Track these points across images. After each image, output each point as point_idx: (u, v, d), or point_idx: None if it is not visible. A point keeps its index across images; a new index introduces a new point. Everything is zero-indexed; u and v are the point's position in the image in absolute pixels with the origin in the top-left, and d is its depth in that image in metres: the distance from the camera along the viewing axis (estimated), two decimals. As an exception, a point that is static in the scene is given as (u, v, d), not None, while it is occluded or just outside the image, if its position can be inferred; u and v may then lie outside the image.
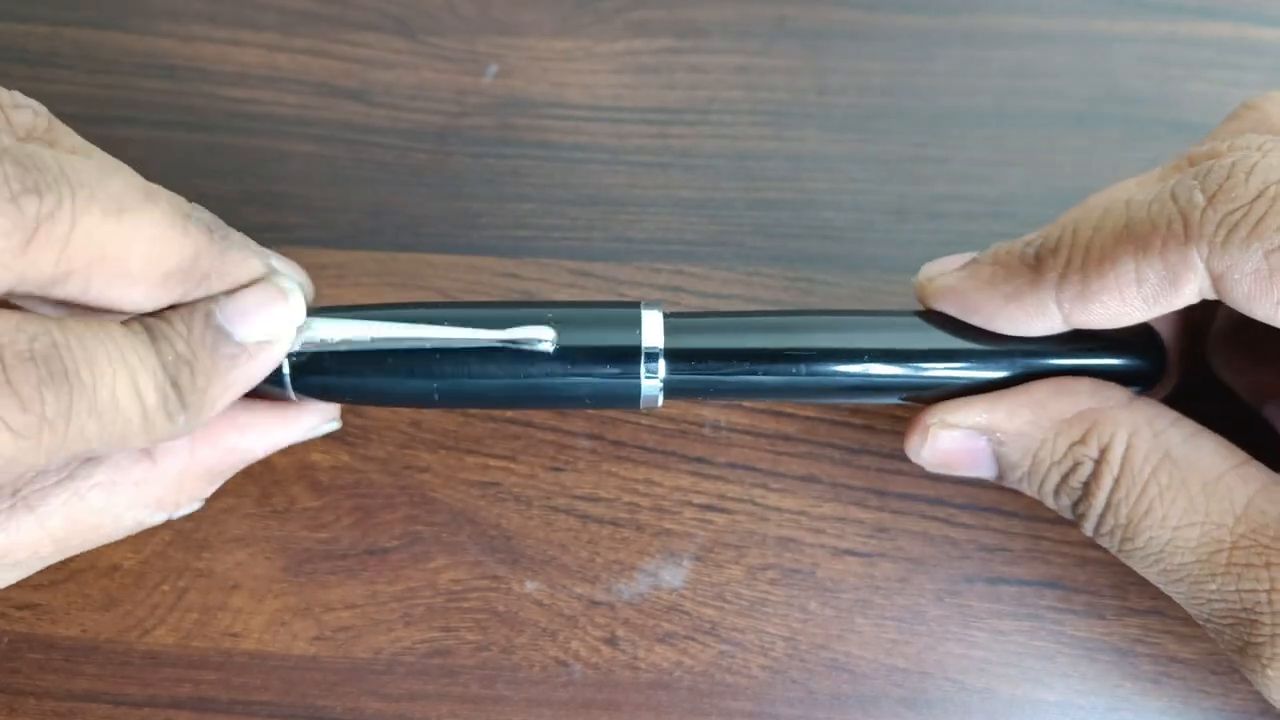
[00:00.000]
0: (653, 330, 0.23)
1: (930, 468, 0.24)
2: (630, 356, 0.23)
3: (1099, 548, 0.27)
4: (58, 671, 0.26)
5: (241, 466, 0.24)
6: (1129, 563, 0.23)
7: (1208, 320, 0.26)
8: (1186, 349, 0.26)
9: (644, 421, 0.28)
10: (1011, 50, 0.33)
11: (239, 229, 0.30)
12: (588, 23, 0.33)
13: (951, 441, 0.23)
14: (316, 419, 0.24)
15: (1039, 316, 0.22)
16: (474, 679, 0.26)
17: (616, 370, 0.23)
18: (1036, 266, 0.22)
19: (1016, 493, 0.27)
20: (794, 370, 0.23)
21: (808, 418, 0.28)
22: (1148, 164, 0.31)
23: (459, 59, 0.33)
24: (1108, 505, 0.22)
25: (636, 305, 0.23)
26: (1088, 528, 0.23)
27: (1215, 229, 0.20)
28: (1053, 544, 0.27)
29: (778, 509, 0.27)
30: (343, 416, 0.28)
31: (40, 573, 0.26)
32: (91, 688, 0.26)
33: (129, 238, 0.19)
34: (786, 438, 0.28)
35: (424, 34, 0.33)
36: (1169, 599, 0.26)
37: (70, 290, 0.18)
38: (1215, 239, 0.20)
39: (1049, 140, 0.32)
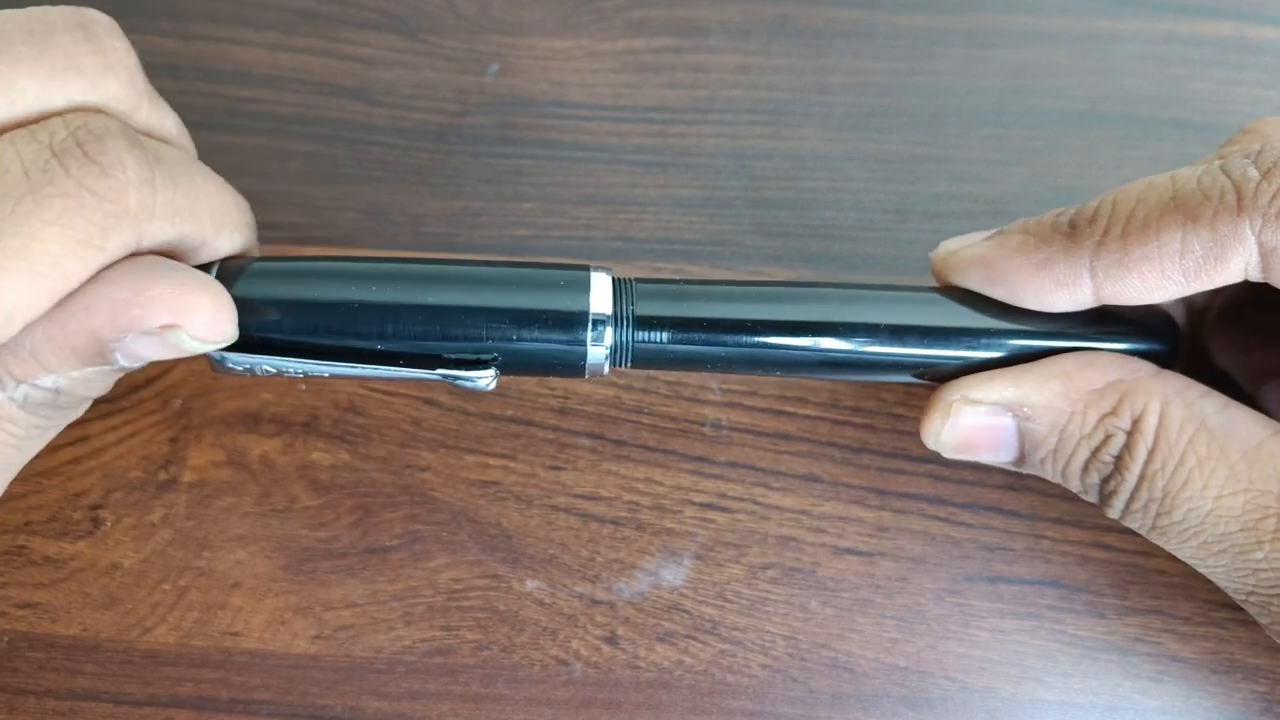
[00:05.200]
0: (601, 295, 0.22)
1: (948, 451, 0.23)
2: (576, 322, 0.22)
3: (1100, 546, 0.27)
4: (58, 670, 0.26)
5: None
6: (1160, 540, 0.22)
7: (1207, 309, 0.26)
8: (1190, 338, 0.25)
9: (644, 420, 0.28)
10: (1012, 49, 0.33)
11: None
12: (588, 22, 0.33)
13: (975, 419, 0.22)
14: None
15: (1069, 287, 0.22)
16: (474, 678, 0.26)
17: (561, 337, 0.22)
18: (1071, 234, 0.22)
19: (1018, 492, 0.27)
20: (787, 344, 0.22)
21: (808, 416, 0.28)
22: (1148, 163, 0.31)
23: (459, 58, 0.33)
24: (1142, 478, 0.21)
25: (586, 268, 0.22)
26: (1117, 505, 0.22)
27: (1270, 201, 0.20)
28: (1053, 543, 0.27)
29: (778, 508, 0.27)
30: (343, 415, 0.28)
31: (41, 571, 0.27)
32: (92, 687, 0.26)
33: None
34: (787, 437, 0.28)
35: (424, 33, 0.33)
36: (1169, 598, 0.27)
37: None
38: (1270, 210, 0.20)
39: (1049, 139, 0.32)
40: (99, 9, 0.30)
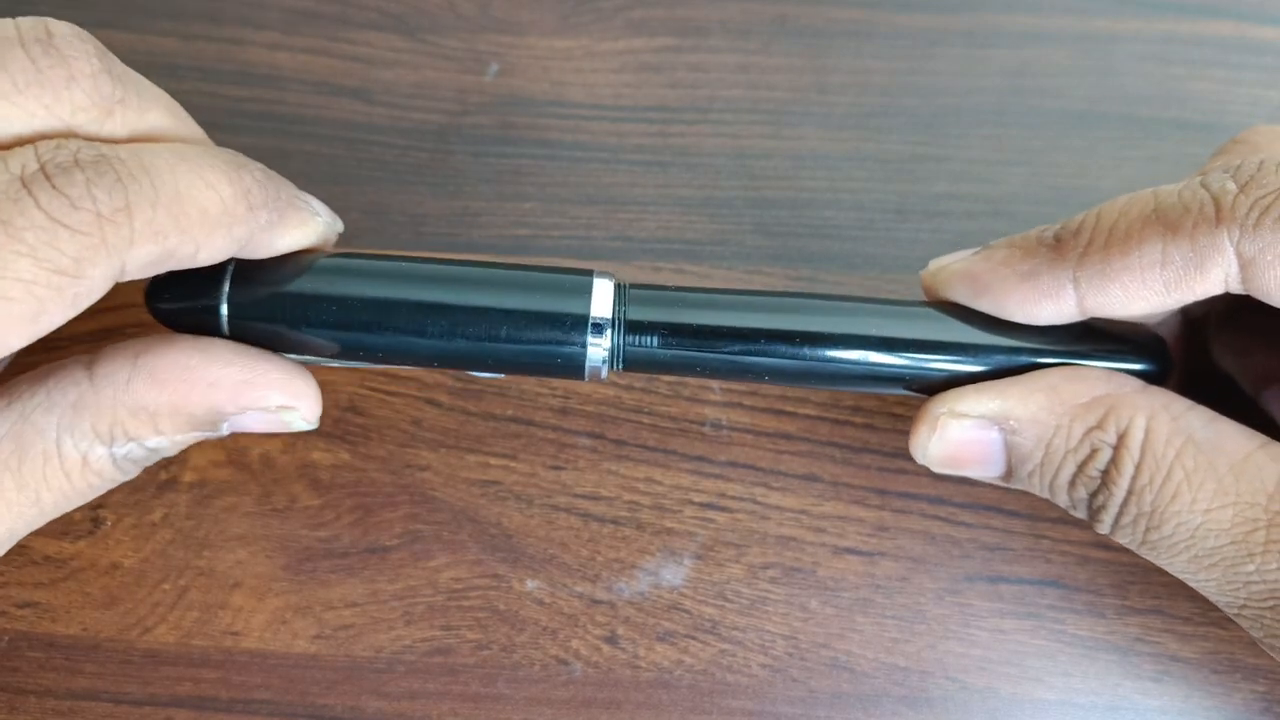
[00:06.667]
0: (602, 300, 0.22)
1: (937, 466, 0.23)
2: (577, 325, 0.22)
3: (1100, 546, 0.27)
4: (58, 670, 0.26)
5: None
6: (1150, 555, 0.22)
7: (1208, 312, 0.26)
8: (1186, 353, 0.25)
9: (645, 420, 0.28)
10: (1012, 49, 0.33)
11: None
12: (588, 21, 0.33)
13: (961, 432, 0.22)
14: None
15: (1053, 298, 0.22)
16: (474, 677, 0.26)
17: (561, 338, 0.22)
18: (1056, 247, 0.22)
19: (1018, 492, 0.27)
20: (776, 352, 0.23)
21: (808, 416, 0.28)
22: (1148, 163, 0.31)
23: (460, 58, 0.33)
24: (1130, 493, 0.21)
25: (590, 273, 0.23)
26: (1106, 520, 0.22)
27: (1248, 212, 0.20)
28: (1053, 543, 0.27)
29: (778, 507, 0.27)
30: (344, 415, 0.28)
31: (41, 571, 0.27)
32: (92, 686, 0.26)
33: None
34: (787, 436, 0.28)
35: (424, 33, 0.33)
36: (1170, 598, 0.27)
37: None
38: (1247, 221, 0.20)
39: (1049, 139, 0.32)
40: (99, 10, 0.30)
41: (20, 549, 0.27)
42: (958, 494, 0.28)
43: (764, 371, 0.23)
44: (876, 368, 0.23)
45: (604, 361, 0.22)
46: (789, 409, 0.28)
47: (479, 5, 0.33)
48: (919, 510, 0.27)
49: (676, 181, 0.31)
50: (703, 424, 0.28)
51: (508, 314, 0.22)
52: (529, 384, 0.28)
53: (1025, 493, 0.27)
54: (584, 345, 0.22)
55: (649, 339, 0.23)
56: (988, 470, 0.23)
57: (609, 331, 0.22)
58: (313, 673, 0.26)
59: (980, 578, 0.27)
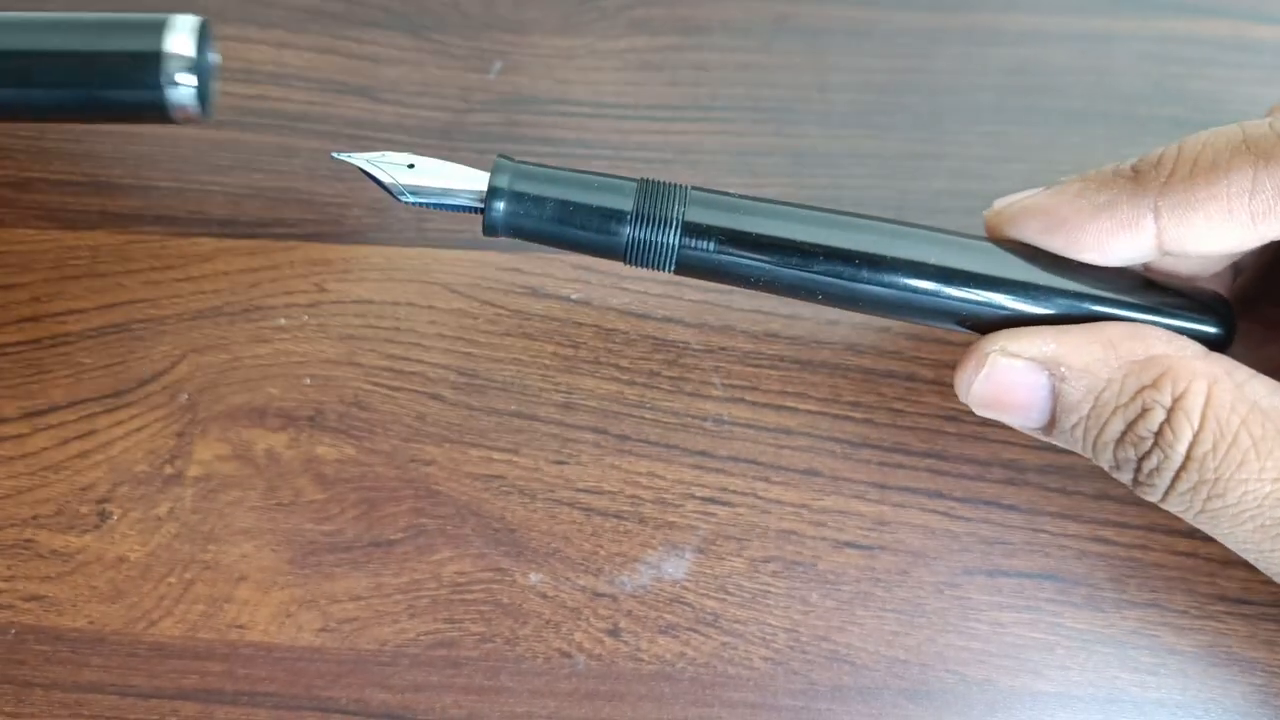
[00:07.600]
0: (182, 38, 0.23)
1: (979, 406, 0.23)
2: (152, 62, 0.22)
3: (1098, 540, 0.27)
4: (64, 663, 0.26)
5: None
6: (1208, 524, 0.22)
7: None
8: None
9: (647, 415, 0.28)
10: (1011, 48, 0.33)
11: (246, 224, 0.31)
12: (591, 20, 0.33)
13: (1010, 373, 0.22)
14: None
15: (1131, 229, 0.21)
16: (478, 670, 0.26)
17: (141, 77, 0.23)
18: (1135, 178, 0.21)
19: (1017, 486, 0.28)
20: (833, 271, 0.23)
21: (809, 412, 0.29)
22: (1146, 161, 0.31)
23: (464, 56, 0.33)
24: (1188, 459, 0.21)
25: (168, 15, 0.23)
26: (1158, 486, 0.21)
27: None
28: (1051, 537, 0.27)
29: (779, 502, 0.28)
30: (348, 410, 0.28)
31: (47, 564, 0.27)
32: (98, 679, 0.26)
33: None
34: (788, 432, 0.28)
35: (429, 31, 0.33)
36: (1167, 591, 0.27)
37: None
38: None
39: (1048, 137, 0.32)
40: (101, 10, 0.31)
41: (27, 542, 0.27)
42: (957, 489, 0.28)
43: (818, 290, 0.23)
44: (934, 298, 0.22)
45: (193, 99, 0.23)
46: (790, 404, 0.29)
47: (483, 4, 0.33)
48: (918, 505, 0.28)
49: (679, 179, 0.31)
50: (705, 419, 0.28)
51: (92, 56, 0.22)
52: (532, 379, 0.29)
53: (1024, 487, 0.28)
54: (161, 84, 0.23)
55: (706, 243, 0.23)
56: (1029, 417, 0.23)
57: (190, 72, 0.23)
58: (317, 665, 0.26)
59: (979, 571, 0.27)
